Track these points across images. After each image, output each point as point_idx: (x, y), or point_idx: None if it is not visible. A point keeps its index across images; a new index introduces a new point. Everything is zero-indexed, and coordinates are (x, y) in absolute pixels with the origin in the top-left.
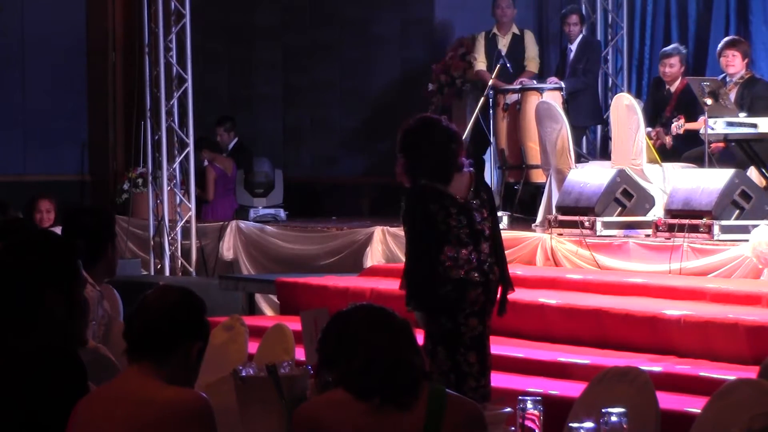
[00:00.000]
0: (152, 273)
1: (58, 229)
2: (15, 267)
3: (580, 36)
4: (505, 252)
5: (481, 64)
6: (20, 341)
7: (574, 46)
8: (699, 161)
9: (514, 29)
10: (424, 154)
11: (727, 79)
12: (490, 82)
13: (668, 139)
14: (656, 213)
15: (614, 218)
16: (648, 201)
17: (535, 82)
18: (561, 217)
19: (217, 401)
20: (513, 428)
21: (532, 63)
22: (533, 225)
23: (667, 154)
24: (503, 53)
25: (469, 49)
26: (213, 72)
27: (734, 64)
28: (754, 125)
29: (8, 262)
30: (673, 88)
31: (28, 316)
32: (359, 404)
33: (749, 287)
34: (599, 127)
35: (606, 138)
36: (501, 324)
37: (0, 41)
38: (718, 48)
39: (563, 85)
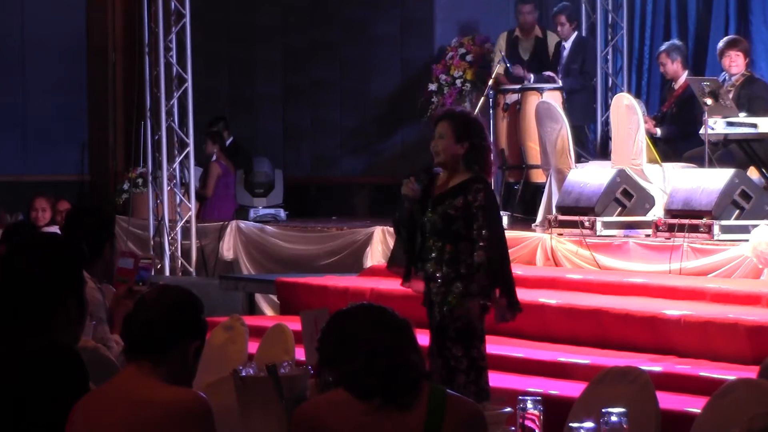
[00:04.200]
0: (152, 273)
1: (54, 228)
2: (38, 270)
3: (574, 35)
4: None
5: (500, 67)
6: (33, 341)
7: (567, 45)
8: (699, 161)
9: (537, 32)
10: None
11: (726, 79)
12: (490, 82)
13: (657, 130)
14: (656, 213)
15: (614, 218)
16: (648, 201)
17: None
18: (561, 217)
19: (217, 401)
20: (513, 428)
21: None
22: (533, 225)
23: (664, 152)
24: (526, 57)
25: (469, 48)
26: (213, 72)
27: (737, 64)
28: (754, 125)
29: (29, 264)
30: (676, 86)
31: (45, 318)
32: (359, 404)
33: (749, 287)
34: (599, 127)
35: (606, 138)
36: (501, 324)
37: (0, 41)
38: (719, 48)
39: (561, 84)
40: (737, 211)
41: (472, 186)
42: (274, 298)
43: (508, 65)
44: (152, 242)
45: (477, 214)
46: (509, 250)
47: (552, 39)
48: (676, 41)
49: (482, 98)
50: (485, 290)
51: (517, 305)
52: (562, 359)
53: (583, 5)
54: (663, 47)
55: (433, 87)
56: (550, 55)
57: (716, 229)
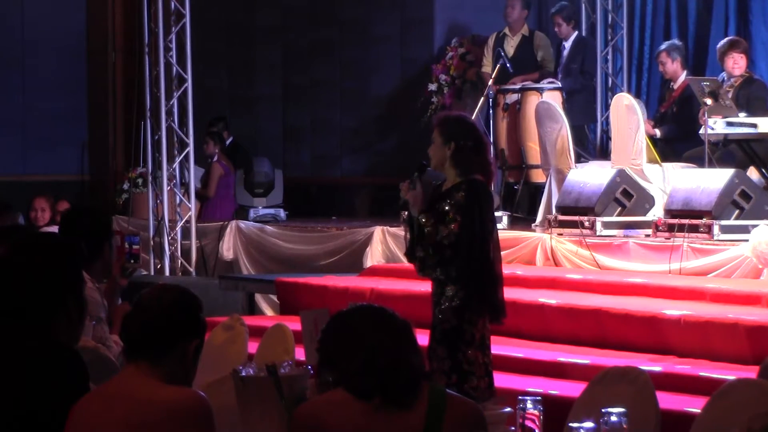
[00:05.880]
0: (152, 273)
1: (53, 228)
2: (36, 270)
3: (575, 35)
4: (505, 252)
5: (486, 66)
6: (32, 341)
7: (568, 44)
8: (699, 161)
9: (524, 30)
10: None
11: (725, 79)
12: (490, 82)
13: (656, 131)
14: (656, 213)
15: (614, 218)
16: (648, 201)
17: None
18: (561, 217)
19: (217, 401)
20: (513, 428)
21: (549, 65)
22: (533, 225)
23: (664, 152)
24: (510, 54)
25: (469, 49)
26: (213, 72)
27: (740, 65)
28: (754, 125)
29: (27, 264)
30: (675, 86)
31: (45, 318)
32: (359, 404)
33: (749, 287)
34: (599, 127)
35: (606, 138)
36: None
37: (0, 41)
38: (720, 50)
39: (561, 85)
40: (737, 211)
41: (456, 190)
42: (274, 298)
43: (508, 65)
44: (152, 242)
45: (450, 211)
46: (510, 250)
47: (539, 39)
48: (675, 41)
49: (482, 98)
50: (469, 295)
51: (497, 315)
52: (562, 359)
53: (583, 5)
54: (663, 46)
55: (433, 87)
56: (536, 55)
57: (716, 229)
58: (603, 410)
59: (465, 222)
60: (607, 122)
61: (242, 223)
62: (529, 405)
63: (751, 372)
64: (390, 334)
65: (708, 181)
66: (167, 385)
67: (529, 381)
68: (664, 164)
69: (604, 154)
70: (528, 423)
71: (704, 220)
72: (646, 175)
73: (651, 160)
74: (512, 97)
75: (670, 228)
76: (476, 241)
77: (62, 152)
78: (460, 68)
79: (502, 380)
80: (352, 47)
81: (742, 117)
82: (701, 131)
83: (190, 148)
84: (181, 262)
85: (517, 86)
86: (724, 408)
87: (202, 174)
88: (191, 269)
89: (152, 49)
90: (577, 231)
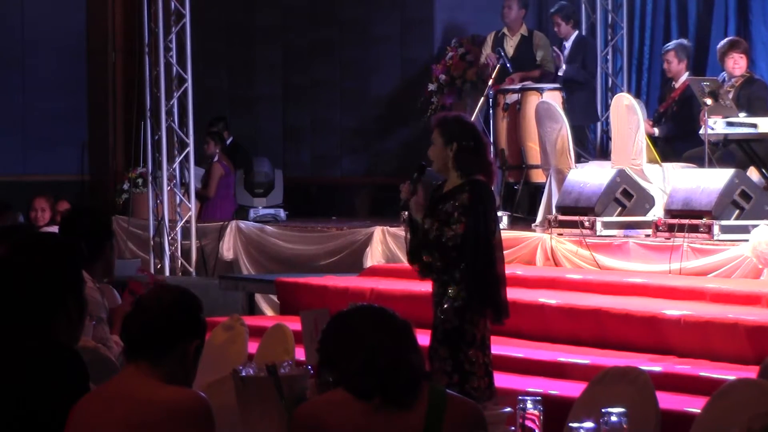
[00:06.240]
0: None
1: (53, 228)
2: (36, 270)
3: (575, 34)
4: (506, 252)
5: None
6: (33, 341)
7: (568, 44)
8: (699, 161)
9: (523, 30)
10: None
11: (725, 79)
12: (490, 82)
13: (655, 130)
14: (656, 213)
15: (614, 218)
16: (648, 201)
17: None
18: (561, 217)
19: (217, 401)
20: (513, 428)
21: (549, 64)
22: (533, 225)
23: (664, 152)
24: (509, 54)
25: (468, 49)
26: (213, 72)
27: (740, 66)
28: (754, 125)
29: (27, 264)
30: (676, 85)
31: (45, 318)
32: (359, 404)
33: (749, 287)
34: (599, 127)
35: (606, 138)
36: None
37: (0, 41)
38: (721, 50)
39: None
40: (737, 211)
41: (460, 191)
42: (274, 298)
43: (508, 65)
44: (152, 242)
45: (454, 213)
46: (510, 250)
47: (538, 38)
48: (684, 41)
49: (482, 98)
50: (471, 296)
51: (499, 315)
52: (562, 359)
53: (583, 5)
54: (671, 45)
55: (433, 87)
56: (534, 55)
57: (716, 229)
58: (603, 410)
59: (470, 223)
60: (607, 122)
61: (242, 223)
62: (529, 405)
63: (751, 372)
64: (390, 334)
65: (708, 181)
66: (167, 385)
67: (529, 381)
68: (664, 164)
69: (604, 154)
70: (528, 423)
71: (704, 220)
72: (646, 175)
73: (651, 160)
74: (512, 97)
75: (670, 228)
76: (480, 241)
77: (62, 152)
78: (460, 68)
79: (502, 380)
80: (352, 47)
81: (742, 117)
82: (701, 131)
83: (190, 148)
84: (181, 262)
85: (517, 86)
86: (724, 408)
87: (202, 174)
88: (191, 269)
89: (152, 49)
90: (577, 231)
